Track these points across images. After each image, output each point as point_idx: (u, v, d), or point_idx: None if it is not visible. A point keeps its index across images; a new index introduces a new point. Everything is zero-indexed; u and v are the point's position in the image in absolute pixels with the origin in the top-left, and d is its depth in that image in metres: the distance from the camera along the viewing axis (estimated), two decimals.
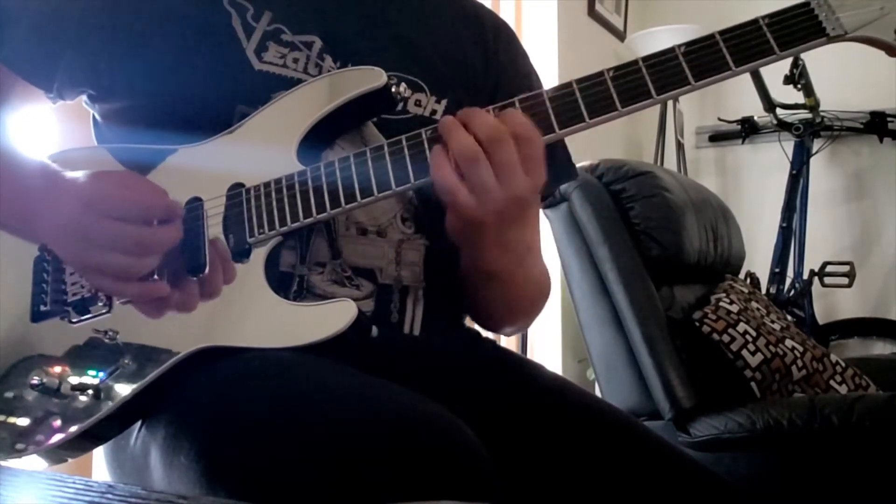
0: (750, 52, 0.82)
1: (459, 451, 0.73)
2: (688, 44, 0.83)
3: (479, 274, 0.94)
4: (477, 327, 1.14)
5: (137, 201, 0.80)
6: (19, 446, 0.87)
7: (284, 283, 0.91)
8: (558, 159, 1.09)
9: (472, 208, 0.83)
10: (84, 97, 1.00)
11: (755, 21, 0.82)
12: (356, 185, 0.84)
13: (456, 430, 0.75)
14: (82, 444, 0.89)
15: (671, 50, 0.83)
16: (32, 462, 0.88)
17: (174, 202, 0.83)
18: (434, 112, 0.99)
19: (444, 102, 1.00)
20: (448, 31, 1.07)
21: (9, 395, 0.89)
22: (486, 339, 1.11)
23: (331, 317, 0.83)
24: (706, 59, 0.82)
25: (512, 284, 0.96)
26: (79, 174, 0.84)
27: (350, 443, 0.72)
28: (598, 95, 0.83)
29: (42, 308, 0.91)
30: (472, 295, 1.00)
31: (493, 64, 1.08)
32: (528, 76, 1.12)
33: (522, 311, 1.05)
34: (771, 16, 0.83)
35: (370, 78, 0.89)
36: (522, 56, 1.14)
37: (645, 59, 0.84)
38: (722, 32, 0.83)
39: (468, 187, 0.82)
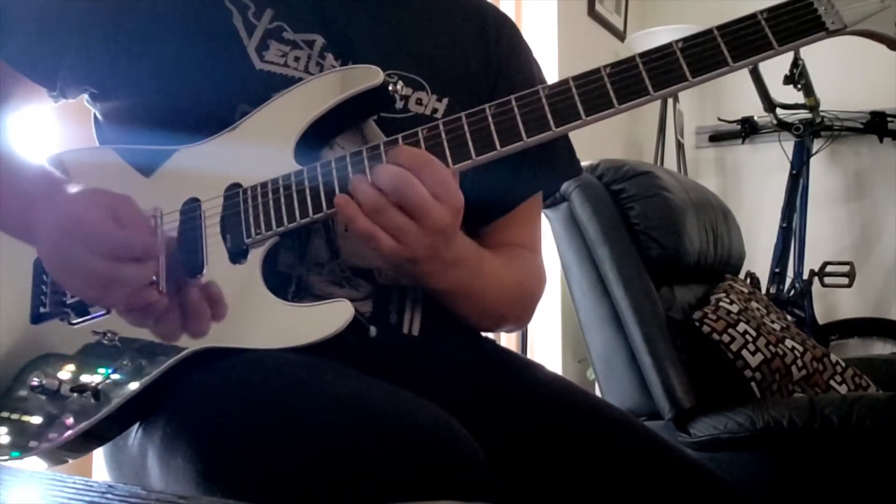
0: (748, 47, 0.81)
1: (455, 452, 0.73)
2: (685, 39, 0.82)
3: (436, 293, 0.93)
4: None
5: (111, 237, 0.79)
6: (24, 446, 0.87)
7: (283, 283, 0.90)
8: (561, 156, 1.09)
9: (399, 250, 0.82)
10: (86, 96, 1.00)
11: (753, 16, 0.81)
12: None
13: (451, 431, 0.75)
14: (82, 444, 0.89)
15: (668, 46, 0.82)
16: (32, 462, 0.88)
17: (151, 241, 0.82)
18: (435, 110, 0.99)
19: (445, 101, 1.00)
20: (449, 28, 1.07)
21: (9, 397, 0.89)
22: (486, 340, 1.10)
23: (327, 317, 0.83)
24: (704, 54, 0.81)
25: (474, 296, 0.95)
26: (75, 190, 0.84)
27: (347, 444, 0.72)
28: (594, 93, 0.83)
29: (41, 310, 0.91)
30: (446, 307, 0.98)
31: (494, 60, 1.07)
32: (529, 72, 1.11)
33: (500, 315, 1.03)
34: (770, 10, 0.81)
35: (367, 76, 0.89)
36: (525, 51, 1.13)
37: (642, 55, 0.83)
38: (720, 28, 0.81)
39: (387, 233, 0.81)
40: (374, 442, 0.71)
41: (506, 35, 1.11)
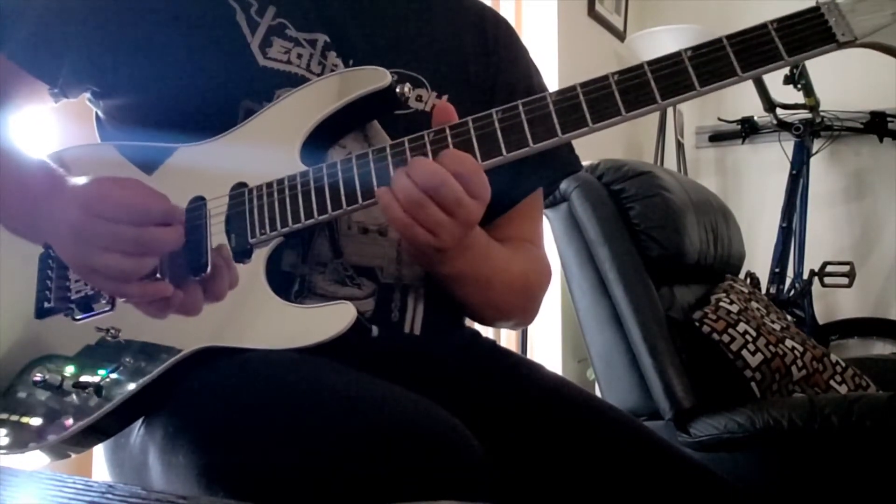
0: (758, 58, 0.79)
1: (456, 452, 0.73)
2: (695, 48, 0.81)
3: (444, 277, 0.94)
4: (477, 327, 1.14)
5: (134, 203, 0.80)
6: (26, 440, 0.87)
7: (286, 282, 0.91)
8: (561, 153, 1.09)
9: (432, 241, 0.84)
10: (87, 94, 1.00)
11: (763, 26, 0.80)
12: (358, 187, 0.84)
13: (453, 430, 0.75)
14: (84, 440, 0.89)
15: (677, 54, 0.81)
16: (33, 459, 0.88)
17: (174, 206, 0.83)
18: (434, 107, 0.99)
19: (444, 98, 1.00)
20: (448, 28, 1.08)
21: (12, 391, 0.89)
22: (486, 339, 1.11)
23: (330, 319, 0.83)
24: (713, 64, 0.80)
25: (480, 282, 0.96)
26: (80, 178, 0.84)
27: (348, 443, 0.72)
28: (602, 100, 0.82)
29: (46, 305, 0.91)
30: (452, 296, 0.99)
31: (493, 61, 1.08)
32: (527, 73, 1.12)
33: (507, 307, 1.03)
34: (780, 20, 0.80)
35: (374, 78, 0.89)
36: (523, 54, 1.14)
37: (650, 63, 0.82)
38: (729, 37, 0.80)
39: (423, 227, 0.82)
40: (376, 441, 0.71)
41: (503, 36, 1.12)
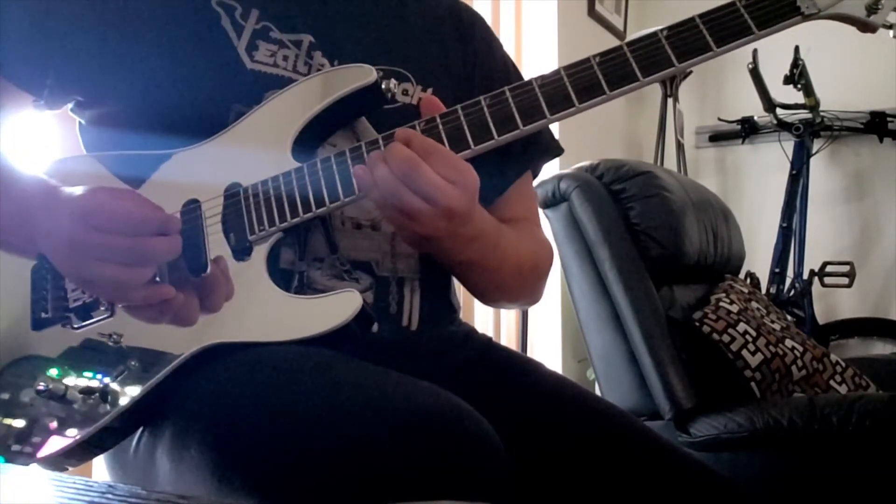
0: (729, 32, 0.84)
1: (479, 447, 0.72)
2: (670, 27, 0.86)
3: (453, 265, 0.95)
4: (477, 326, 1.14)
5: (129, 214, 0.80)
6: (26, 452, 0.87)
7: (285, 279, 0.91)
8: (544, 137, 1.13)
9: (412, 228, 0.84)
10: (71, 105, 0.99)
11: (732, 3, 0.85)
12: (353, 180, 0.85)
13: (474, 423, 0.74)
14: (86, 451, 0.88)
15: (654, 34, 0.86)
16: (33, 466, 0.88)
17: (171, 216, 0.83)
18: (421, 100, 1.00)
19: (429, 91, 1.02)
20: (428, 26, 1.10)
21: (14, 401, 0.88)
22: (482, 336, 1.10)
23: (335, 308, 0.83)
24: (688, 40, 0.85)
25: (490, 267, 0.96)
26: (76, 189, 0.84)
27: (363, 436, 0.71)
28: (585, 80, 0.86)
29: (43, 315, 0.90)
30: (458, 279, 1.00)
31: (471, 53, 1.11)
32: (503, 61, 1.16)
33: (514, 287, 1.04)
34: None
35: (360, 75, 0.90)
36: (497, 45, 1.18)
37: (629, 43, 0.86)
38: (702, 15, 0.85)
39: (401, 212, 0.83)
40: (391, 434, 0.70)
41: (479, 32, 1.15)
